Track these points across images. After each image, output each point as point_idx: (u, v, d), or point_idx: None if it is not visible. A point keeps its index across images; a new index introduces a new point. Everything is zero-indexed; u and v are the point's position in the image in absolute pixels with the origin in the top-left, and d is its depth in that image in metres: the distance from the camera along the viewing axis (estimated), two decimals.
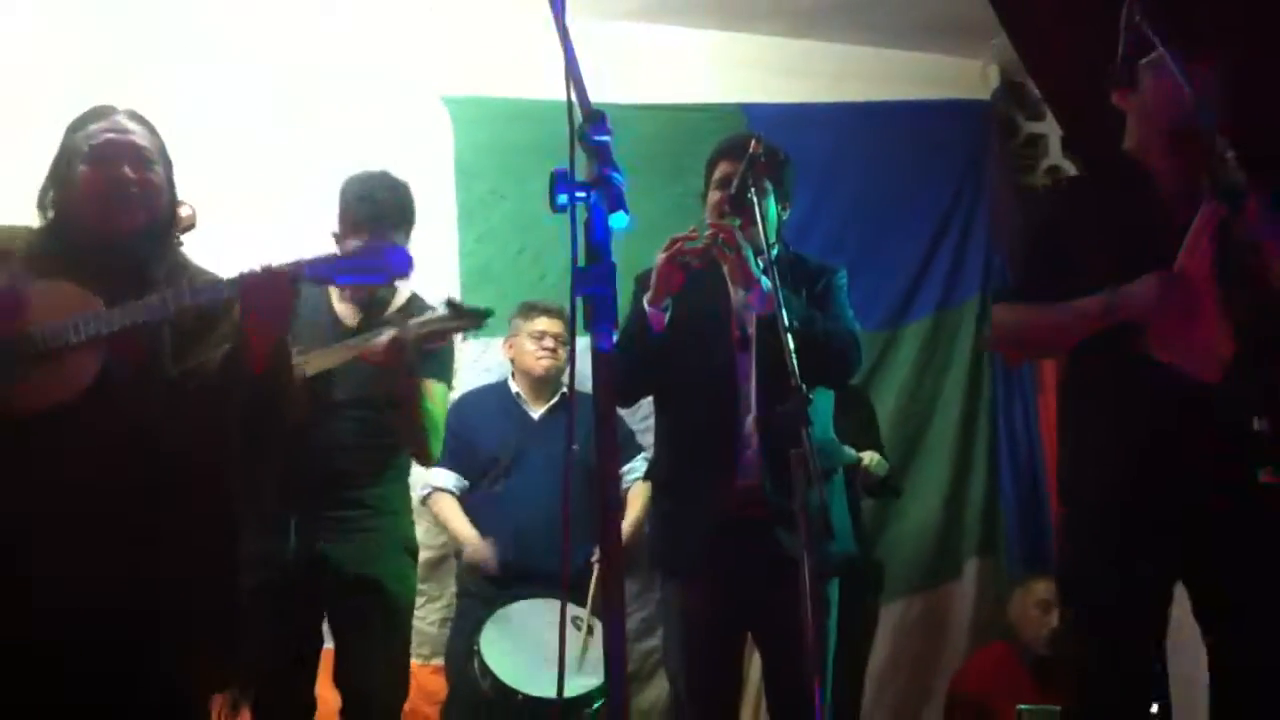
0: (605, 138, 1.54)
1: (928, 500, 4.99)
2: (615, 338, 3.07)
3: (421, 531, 4.35)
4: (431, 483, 4.28)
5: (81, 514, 2.31)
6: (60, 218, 2.54)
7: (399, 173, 3.49)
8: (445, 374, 3.49)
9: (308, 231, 3.57)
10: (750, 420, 3.12)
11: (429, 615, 4.37)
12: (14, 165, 3.80)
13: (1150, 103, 2.66)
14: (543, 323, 4.32)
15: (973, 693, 4.50)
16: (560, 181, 1.53)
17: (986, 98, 5.43)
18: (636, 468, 4.31)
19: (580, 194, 1.53)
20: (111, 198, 2.49)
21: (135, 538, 2.37)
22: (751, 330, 3.15)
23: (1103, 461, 2.64)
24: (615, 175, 1.52)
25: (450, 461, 4.16)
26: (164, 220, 2.60)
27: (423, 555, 4.33)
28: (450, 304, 3.18)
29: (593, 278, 1.49)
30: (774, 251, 3.02)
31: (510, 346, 4.43)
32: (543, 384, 4.36)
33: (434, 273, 4.20)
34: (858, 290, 3.49)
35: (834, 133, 5.07)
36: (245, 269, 2.46)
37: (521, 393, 4.39)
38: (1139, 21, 2.57)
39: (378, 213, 3.30)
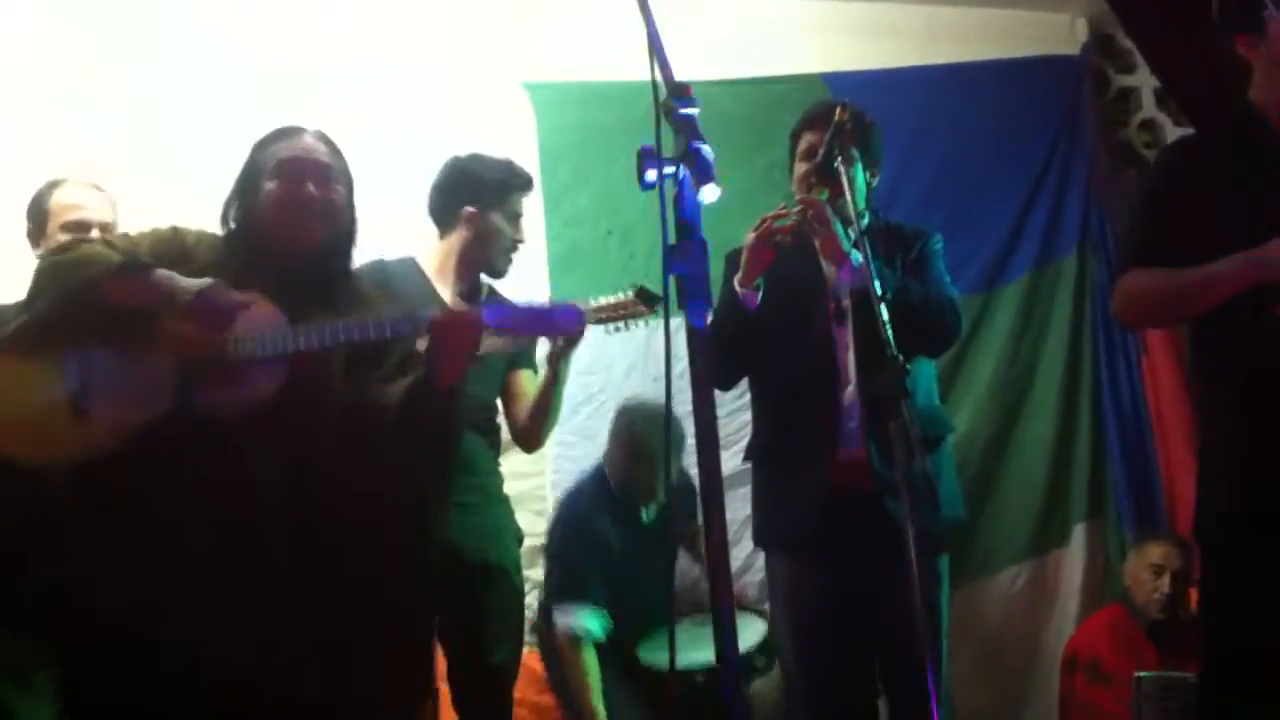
0: (691, 111, 1.52)
1: (1032, 465, 4.89)
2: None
3: (522, 520, 4.39)
4: (575, 626, 3.99)
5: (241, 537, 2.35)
6: (243, 230, 2.58)
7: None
8: (534, 363, 3.56)
9: (396, 222, 3.63)
10: (850, 392, 3.09)
11: (533, 601, 4.38)
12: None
13: None
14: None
15: (1089, 656, 4.43)
16: (648, 158, 1.51)
17: (1075, 52, 5.30)
18: None
19: (668, 170, 1.50)
20: (296, 214, 2.53)
21: (300, 572, 2.39)
22: (847, 303, 3.11)
23: (1237, 430, 2.55)
24: (703, 148, 1.49)
25: (597, 593, 4.02)
26: (345, 238, 2.65)
27: (526, 543, 4.38)
28: (639, 290, 3.18)
29: (684, 255, 1.46)
30: (864, 221, 2.97)
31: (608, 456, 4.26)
32: (649, 491, 4.18)
33: (521, 258, 4.22)
34: (951, 254, 3.43)
35: (920, 97, 4.97)
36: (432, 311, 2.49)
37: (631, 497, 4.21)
38: None
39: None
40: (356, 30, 4.57)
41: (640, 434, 4.06)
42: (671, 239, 1.48)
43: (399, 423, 2.49)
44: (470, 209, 3.40)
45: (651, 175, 1.51)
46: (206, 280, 2.37)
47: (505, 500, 3.53)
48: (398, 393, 2.52)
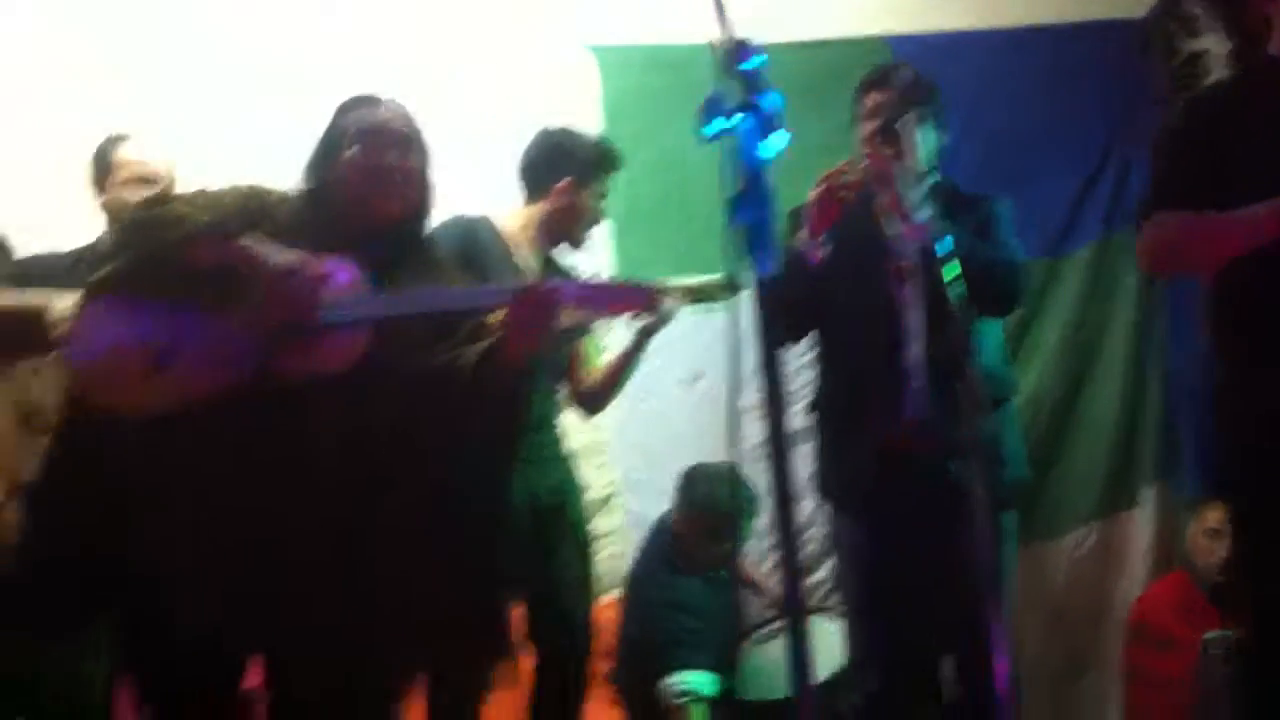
0: (755, 63, 1.51)
1: (1100, 428, 4.87)
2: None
3: (588, 471, 4.44)
4: (681, 687, 4.00)
5: (315, 502, 2.39)
6: (323, 195, 2.61)
7: (546, 122, 3.57)
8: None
9: (465, 186, 3.66)
10: (915, 351, 3.08)
11: (599, 551, 4.44)
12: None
13: None
14: None
15: (1153, 622, 4.41)
16: (712, 107, 1.51)
17: (1142, 16, 5.22)
18: None
19: (733, 120, 1.49)
20: (376, 182, 2.56)
21: (372, 532, 2.44)
22: (911, 262, 3.10)
23: (1260, 384, 2.52)
24: (767, 98, 1.48)
25: (706, 655, 4.04)
26: (422, 208, 2.69)
27: (590, 495, 4.43)
28: (729, 278, 3.21)
29: (749, 203, 1.46)
30: (931, 180, 2.96)
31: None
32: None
33: None
34: (1018, 218, 3.41)
35: (983, 61, 4.91)
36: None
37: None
38: None
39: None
40: None
41: (715, 505, 4.04)
42: (735, 189, 1.47)
43: (469, 391, 2.51)
44: (568, 179, 3.50)
45: (714, 126, 1.50)
46: (295, 254, 2.41)
47: (567, 456, 3.62)
48: (470, 360, 2.53)
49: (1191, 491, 4.72)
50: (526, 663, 3.50)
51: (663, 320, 3.36)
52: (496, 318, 2.55)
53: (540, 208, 3.54)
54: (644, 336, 3.55)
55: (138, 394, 2.37)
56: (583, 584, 3.56)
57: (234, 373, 2.36)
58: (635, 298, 2.60)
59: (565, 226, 3.53)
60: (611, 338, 3.77)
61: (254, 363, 2.37)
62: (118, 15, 4.32)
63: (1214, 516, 4.26)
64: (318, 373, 2.39)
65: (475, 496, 2.69)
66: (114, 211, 3.43)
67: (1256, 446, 2.55)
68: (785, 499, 1.44)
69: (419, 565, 2.50)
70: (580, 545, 3.59)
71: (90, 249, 3.41)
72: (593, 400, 3.72)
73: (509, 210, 3.57)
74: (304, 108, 4.30)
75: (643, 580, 4.24)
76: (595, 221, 3.61)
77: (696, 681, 3.96)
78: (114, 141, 3.49)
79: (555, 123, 3.67)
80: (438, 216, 3.09)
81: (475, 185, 3.75)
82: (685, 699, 3.94)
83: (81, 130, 3.95)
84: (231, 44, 4.42)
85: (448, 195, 3.33)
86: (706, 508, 4.07)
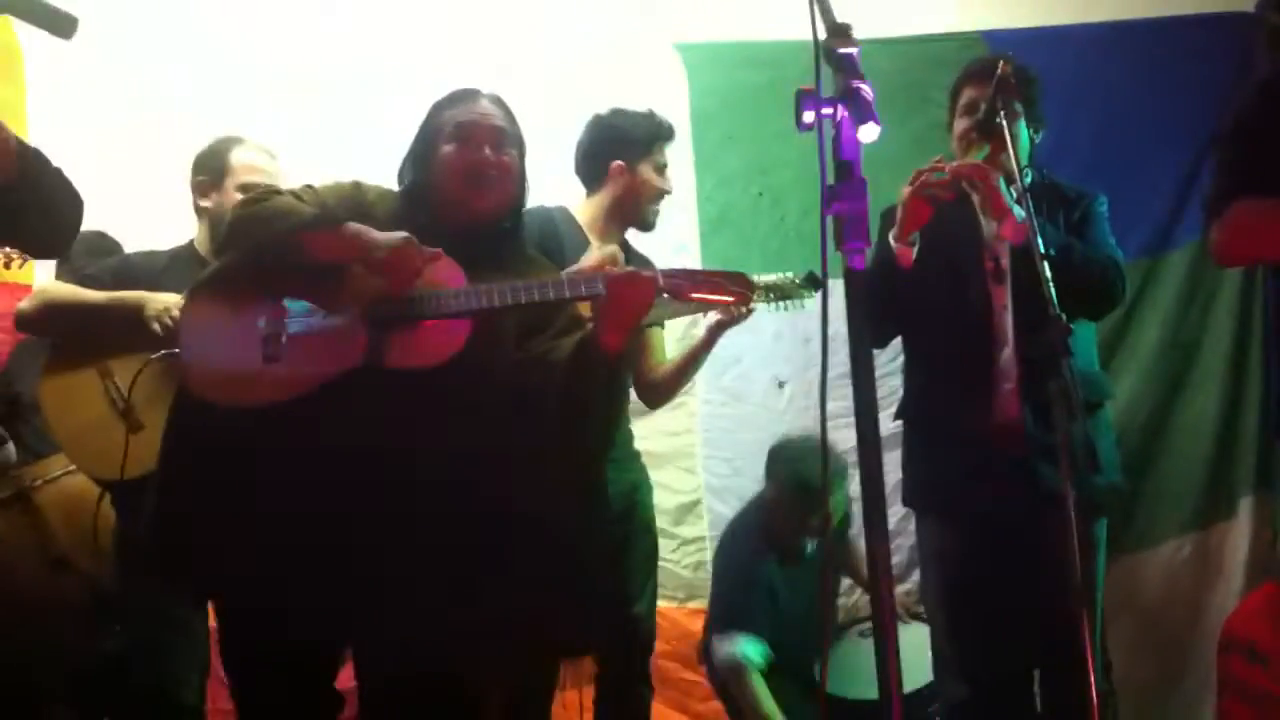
0: (851, 50, 1.48)
1: (1197, 437, 4.71)
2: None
3: (672, 476, 4.42)
4: (735, 653, 3.97)
5: (429, 484, 2.38)
6: (420, 191, 2.63)
7: None
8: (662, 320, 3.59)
9: (557, 183, 3.66)
10: (1007, 353, 3.02)
11: (684, 559, 4.43)
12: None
13: None
14: None
15: (1245, 637, 4.27)
16: (806, 98, 1.48)
17: (1250, 9, 5.08)
18: None
19: (826, 110, 1.47)
20: (472, 177, 2.58)
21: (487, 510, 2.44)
22: (1006, 261, 3.04)
23: None
24: (862, 87, 1.45)
25: (745, 622, 3.99)
26: (517, 203, 2.71)
27: (675, 500, 4.42)
28: (807, 275, 3.20)
29: (843, 194, 1.43)
30: (1027, 178, 2.90)
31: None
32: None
33: (673, 220, 4.21)
34: (1117, 218, 3.33)
35: (1083, 54, 4.81)
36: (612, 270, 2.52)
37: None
38: None
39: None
40: None
41: (801, 481, 3.98)
42: (831, 180, 1.45)
43: (567, 381, 2.51)
44: (618, 163, 3.45)
45: (809, 116, 1.48)
46: (399, 235, 2.41)
47: (639, 455, 3.58)
48: (566, 350, 2.54)
49: None
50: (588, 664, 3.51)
51: (738, 318, 3.37)
52: (588, 308, 2.55)
53: (602, 195, 3.49)
54: (716, 332, 3.50)
55: (248, 387, 2.40)
56: (648, 588, 3.53)
57: (342, 363, 2.38)
58: (729, 287, 2.56)
59: (630, 209, 3.47)
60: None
61: (360, 355, 2.39)
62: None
63: None
64: (421, 365, 2.39)
65: (572, 488, 2.70)
66: (219, 215, 3.36)
67: None
68: (876, 500, 1.42)
69: (512, 557, 2.49)
70: (648, 550, 3.56)
71: (187, 248, 3.46)
72: (656, 394, 3.67)
73: (579, 202, 3.54)
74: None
75: (726, 551, 4.23)
76: (659, 197, 3.51)
77: (740, 643, 3.93)
78: (227, 143, 3.49)
79: None
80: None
81: (563, 185, 3.75)
82: (732, 661, 3.92)
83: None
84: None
85: (536, 194, 3.37)
86: (795, 484, 4.00)
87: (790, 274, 3.18)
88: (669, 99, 4.61)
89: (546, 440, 2.54)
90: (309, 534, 2.32)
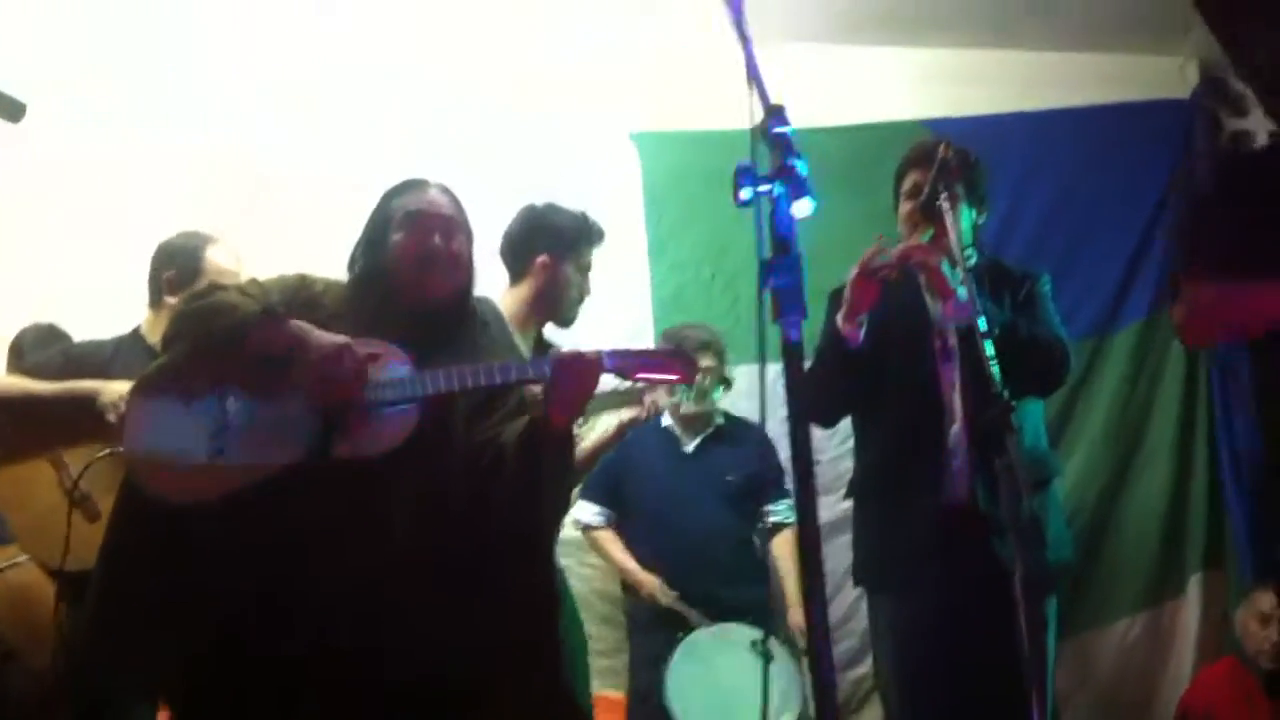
0: (786, 129, 1.53)
1: (1147, 514, 4.78)
2: (812, 357, 3.11)
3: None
4: (580, 519, 4.34)
5: (380, 575, 2.37)
6: (370, 280, 2.64)
7: (587, 207, 3.58)
8: None
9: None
10: (956, 431, 3.05)
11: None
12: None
13: None
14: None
15: (1202, 711, 4.30)
16: (744, 175, 1.53)
17: (1186, 96, 5.22)
18: (780, 510, 4.33)
19: (764, 187, 1.52)
20: (423, 265, 2.59)
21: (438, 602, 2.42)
22: (953, 340, 3.09)
23: None
24: (798, 164, 1.50)
25: (592, 494, 4.29)
26: (467, 289, 2.72)
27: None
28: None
29: (779, 269, 1.47)
30: (971, 258, 2.95)
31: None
32: (694, 419, 4.37)
33: (628, 303, 4.27)
34: (1063, 298, 3.40)
35: (1025, 142, 4.94)
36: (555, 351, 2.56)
37: (674, 427, 4.41)
38: None
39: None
40: (464, 79, 4.69)
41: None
42: (767, 254, 1.49)
43: (518, 461, 2.52)
44: (544, 257, 3.44)
45: (747, 193, 1.53)
46: (337, 340, 2.42)
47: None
48: (516, 432, 2.56)
49: (1241, 577, 4.63)
50: None
51: (650, 417, 3.55)
52: (536, 392, 2.57)
53: (524, 287, 3.47)
54: (625, 429, 3.61)
55: (193, 482, 2.39)
56: (580, 678, 3.53)
57: (289, 454, 2.38)
58: (673, 365, 2.60)
59: (550, 304, 3.46)
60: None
61: (308, 444, 2.39)
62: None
63: (1265, 600, 4.18)
64: (370, 454, 2.40)
65: (525, 561, 2.67)
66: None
67: None
68: (815, 570, 1.44)
69: (480, 634, 2.46)
70: (578, 642, 3.58)
71: (131, 336, 3.46)
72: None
73: (500, 292, 3.51)
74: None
75: None
76: (580, 298, 3.51)
77: (583, 511, 4.33)
78: (201, 240, 3.49)
79: (595, 208, 3.65)
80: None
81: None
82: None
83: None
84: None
85: (491, 280, 3.39)
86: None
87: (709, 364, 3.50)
88: (623, 184, 4.71)
89: (498, 522, 2.54)
90: (255, 631, 2.31)
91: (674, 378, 2.60)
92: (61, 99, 4.25)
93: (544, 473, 2.54)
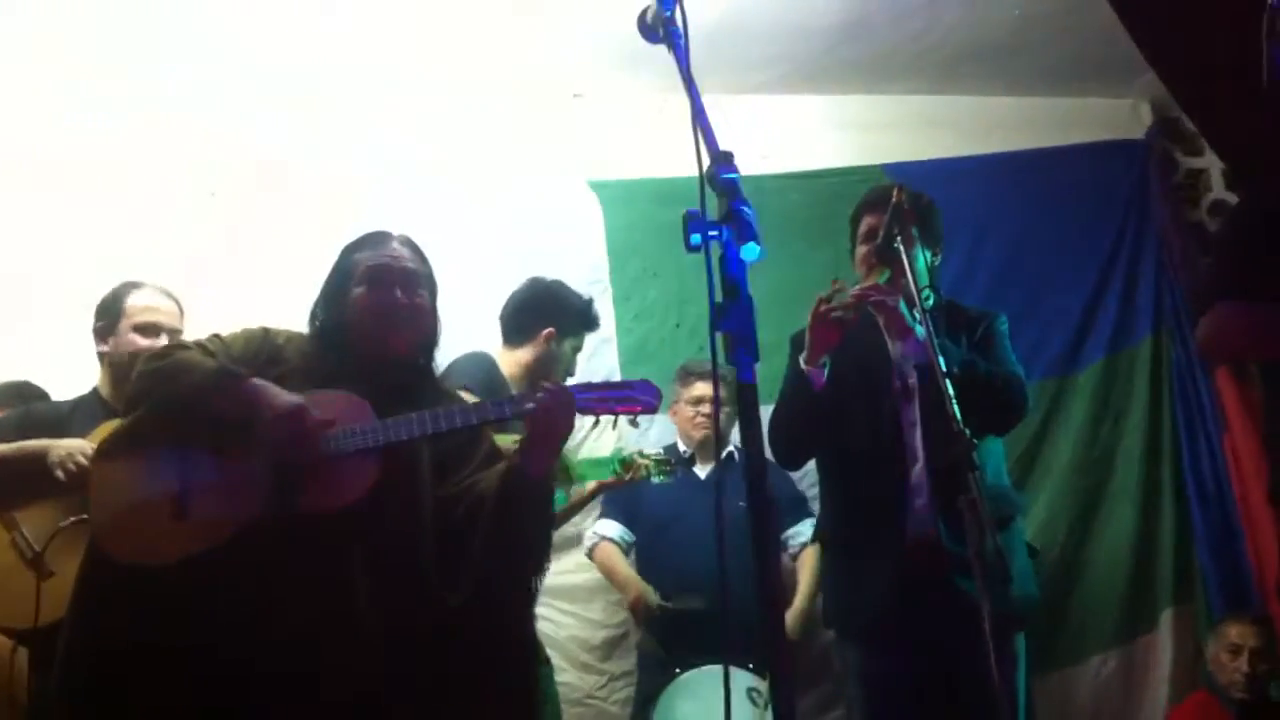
0: (733, 175, 1.56)
1: (1116, 551, 4.79)
2: (775, 400, 3.13)
3: (599, 610, 4.41)
4: (599, 532, 4.36)
5: (348, 616, 2.36)
6: (332, 333, 2.63)
7: (552, 256, 3.64)
8: None
9: (476, 323, 3.72)
10: (918, 470, 3.08)
11: (611, 695, 4.38)
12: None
13: None
14: (699, 388, 4.35)
15: None
16: (693, 222, 1.56)
17: (1140, 136, 5.31)
18: (803, 531, 4.30)
19: (713, 232, 1.54)
20: (384, 318, 2.59)
21: (410, 652, 2.41)
22: (913, 380, 3.12)
23: None
24: (745, 209, 1.53)
25: (616, 513, 4.33)
26: (430, 341, 2.71)
27: (602, 634, 4.41)
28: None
29: (729, 312, 1.50)
30: (928, 299, 2.99)
31: (673, 414, 4.46)
32: (707, 445, 4.39)
33: (593, 352, 4.28)
34: (1024, 339, 3.43)
35: (984, 185, 5.01)
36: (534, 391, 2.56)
37: (689, 453, 4.43)
38: None
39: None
40: (428, 130, 4.72)
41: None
42: (719, 298, 1.52)
43: (498, 510, 2.50)
44: (550, 330, 3.68)
45: (696, 238, 1.55)
46: (292, 401, 2.42)
47: None
48: (493, 481, 2.54)
49: (1210, 610, 4.66)
50: None
51: (634, 480, 3.66)
52: (508, 442, 2.57)
53: (524, 352, 3.71)
54: (599, 490, 3.80)
55: (160, 543, 2.37)
56: None
57: (250, 511, 2.37)
58: (641, 396, 2.61)
59: (544, 373, 3.61)
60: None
61: (269, 501, 2.38)
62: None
63: (1235, 631, 4.21)
64: (330, 507, 2.39)
65: (506, 617, 2.65)
66: (118, 358, 3.43)
67: None
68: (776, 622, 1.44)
69: (452, 692, 2.45)
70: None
71: (91, 395, 3.46)
72: None
73: (498, 353, 3.72)
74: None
75: None
76: (567, 375, 3.74)
77: (605, 527, 4.35)
78: (125, 288, 3.51)
79: (558, 257, 3.74)
80: (452, 350, 3.14)
81: (483, 319, 3.82)
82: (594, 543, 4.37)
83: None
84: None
85: (459, 330, 3.41)
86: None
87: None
88: (586, 234, 4.74)
89: (476, 571, 2.51)
90: (224, 693, 2.28)
91: (639, 408, 2.62)
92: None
93: (525, 523, 2.53)
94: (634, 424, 2.80)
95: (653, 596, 4.14)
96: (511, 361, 3.69)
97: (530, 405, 2.50)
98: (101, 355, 3.48)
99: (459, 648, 2.46)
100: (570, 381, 3.58)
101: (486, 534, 2.49)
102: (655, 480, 3.76)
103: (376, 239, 2.70)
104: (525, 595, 2.69)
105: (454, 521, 2.52)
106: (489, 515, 2.50)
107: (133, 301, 3.47)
